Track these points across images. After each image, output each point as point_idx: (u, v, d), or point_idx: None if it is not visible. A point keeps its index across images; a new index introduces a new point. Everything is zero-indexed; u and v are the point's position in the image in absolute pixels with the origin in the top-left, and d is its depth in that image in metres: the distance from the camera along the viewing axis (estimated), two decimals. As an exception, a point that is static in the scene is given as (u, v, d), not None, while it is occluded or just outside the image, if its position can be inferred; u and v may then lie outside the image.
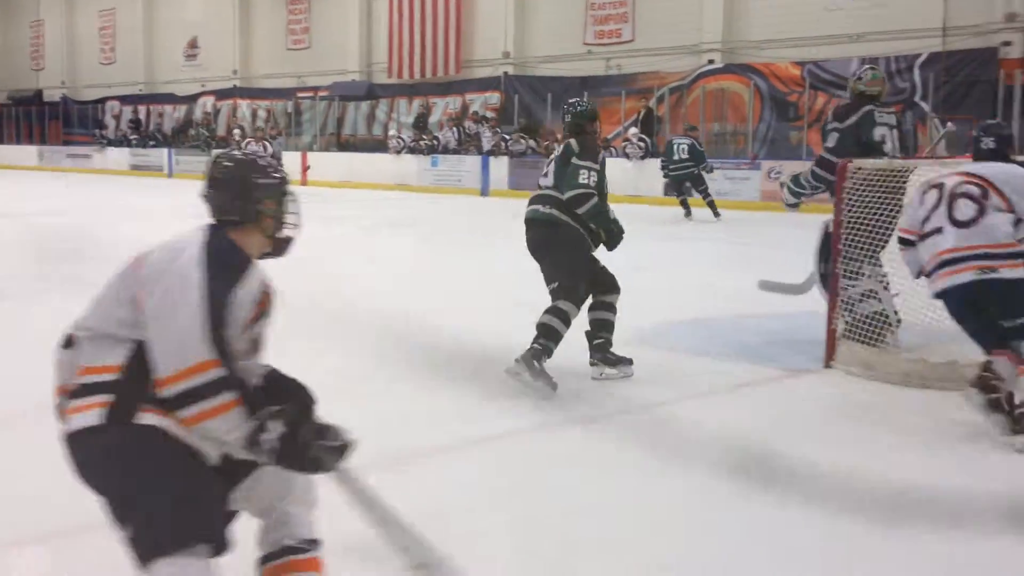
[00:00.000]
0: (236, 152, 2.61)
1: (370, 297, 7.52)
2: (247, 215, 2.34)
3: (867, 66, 6.07)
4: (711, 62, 18.88)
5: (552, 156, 5.11)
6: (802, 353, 5.57)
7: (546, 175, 5.01)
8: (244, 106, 28.17)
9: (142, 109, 31.56)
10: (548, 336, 4.66)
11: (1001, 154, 4.38)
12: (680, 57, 19.44)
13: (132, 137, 29.41)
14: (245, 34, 28.97)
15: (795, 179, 6.05)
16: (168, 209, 15.87)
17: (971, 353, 4.54)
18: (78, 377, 2.17)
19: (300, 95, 26.56)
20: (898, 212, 5.12)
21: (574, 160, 4.85)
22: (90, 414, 2.11)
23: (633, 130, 18.25)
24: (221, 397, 2.08)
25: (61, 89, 35.14)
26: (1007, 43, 15.06)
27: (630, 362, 5.04)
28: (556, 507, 3.35)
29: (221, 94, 29.14)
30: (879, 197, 5.16)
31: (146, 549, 2.03)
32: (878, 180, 5.18)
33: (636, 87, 19.83)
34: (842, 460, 3.85)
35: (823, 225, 5.63)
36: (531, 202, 5.04)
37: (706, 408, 4.70)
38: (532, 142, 19.66)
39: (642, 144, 17.55)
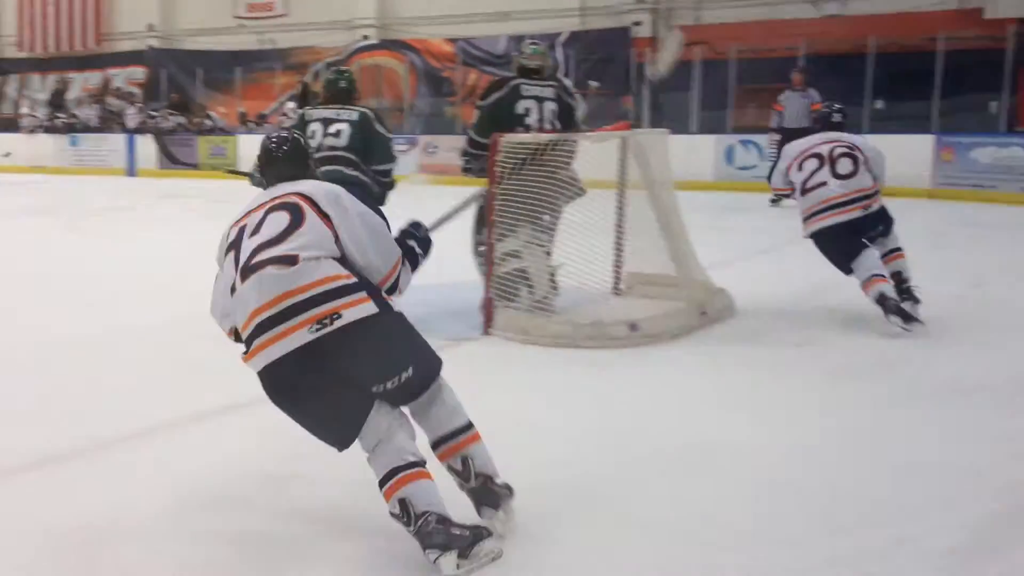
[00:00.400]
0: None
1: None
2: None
3: (530, 41, 6.22)
4: (366, 38, 18.95)
5: (325, 116, 5.50)
6: (462, 322, 5.75)
7: (337, 135, 5.41)
8: None
9: None
10: None
11: (843, 125, 5.86)
12: (335, 32, 19.36)
13: None
14: None
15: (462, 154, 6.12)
16: None
17: (616, 314, 4.94)
18: (319, 286, 2.67)
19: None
20: (551, 182, 5.40)
21: (380, 130, 5.51)
22: (367, 305, 2.71)
23: (290, 104, 18.00)
24: (407, 267, 3.05)
25: None
26: (637, 23, 16.29)
27: None
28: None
29: None
30: (532, 168, 5.37)
31: (429, 374, 2.87)
32: (529, 152, 5.38)
33: (291, 62, 19.54)
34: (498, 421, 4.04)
35: (476, 195, 5.79)
36: (326, 162, 5.12)
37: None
38: (182, 119, 18.85)
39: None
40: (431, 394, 2.87)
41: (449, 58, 17.90)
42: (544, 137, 5.49)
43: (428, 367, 2.88)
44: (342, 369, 2.67)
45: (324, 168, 4.81)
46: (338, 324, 2.64)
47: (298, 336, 2.63)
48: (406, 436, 2.73)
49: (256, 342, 2.69)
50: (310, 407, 2.74)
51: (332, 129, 5.47)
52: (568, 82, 6.10)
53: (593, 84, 8.28)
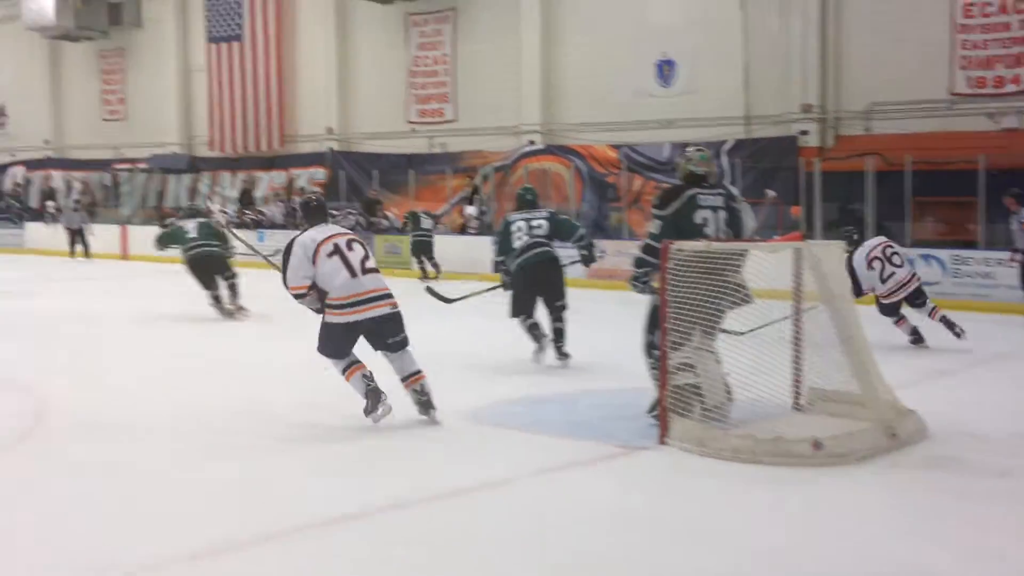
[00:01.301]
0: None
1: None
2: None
3: (695, 147, 6.24)
4: (532, 143, 19.60)
5: (526, 217, 8.22)
6: (636, 429, 5.81)
7: (540, 227, 8.16)
8: (58, 177, 27.15)
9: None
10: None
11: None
12: (502, 137, 20.09)
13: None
14: (57, 103, 28.05)
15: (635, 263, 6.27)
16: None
17: (798, 431, 5.02)
18: (384, 286, 6.05)
19: (117, 167, 25.85)
20: (724, 290, 5.56)
21: (564, 217, 8.66)
22: (395, 302, 6.07)
23: (470, 209, 18.82)
24: None
25: None
26: (804, 132, 16.37)
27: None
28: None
29: (33, 164, 28.02)
30: (703, 276, 5.48)
31: (406, 342, 6.04)
32: (700, 261, 5.50)
33: (461, 165, 20.34)
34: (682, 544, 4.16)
35: (652, 299, 5.96)
36: (536, 246, 8.10)
37: (551, 485, 4.88)
38: (360, 217, 19.81)
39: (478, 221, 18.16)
40: (403, 351, 6.07)
41: (613, 164, 18.31)
42: (715, 245, 5.62)
43: (406, 339, 6.09)
44: (385, 331, 6.00)
45: (537, 250, 8.12)
46: (395, 309, 6.08)
47: (386, 308, 6.03)
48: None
49: (363, 306, 5.94)
50: (352, 340, 6.01)
51: (535, 224, 8.18)
52: (734, 189, 6.25)
53: (770, 194, 8.41)
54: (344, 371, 6.00)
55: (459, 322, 10.80)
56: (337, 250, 5.89)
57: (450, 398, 6.30)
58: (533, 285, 8.15)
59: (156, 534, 4.07)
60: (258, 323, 11.43)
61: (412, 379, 6.03)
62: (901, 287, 9.15)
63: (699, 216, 5.84)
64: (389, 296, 6.02)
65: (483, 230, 18.37)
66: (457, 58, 20.92)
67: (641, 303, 6.10)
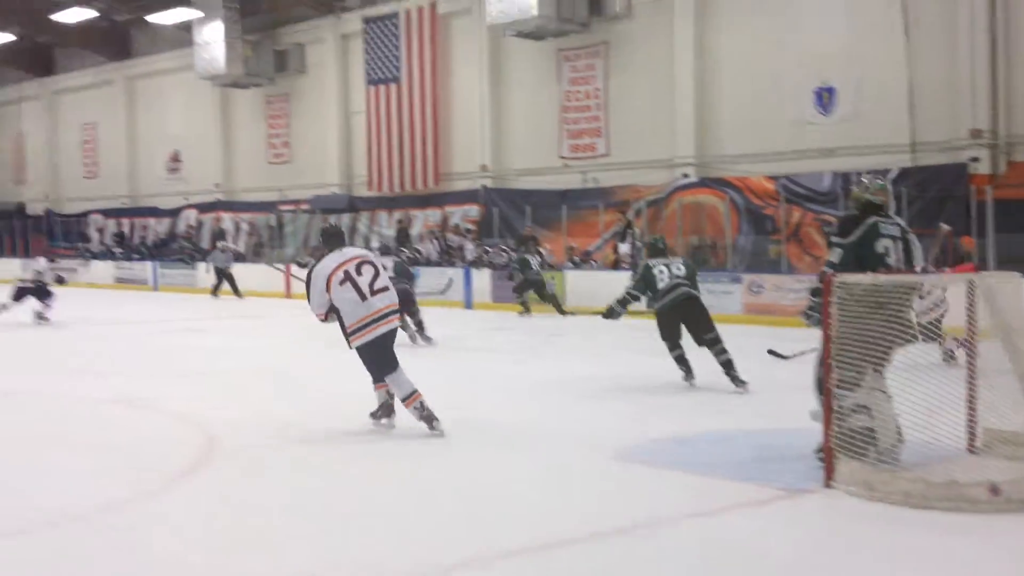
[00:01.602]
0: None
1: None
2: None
3: (871, 175, 6.11)
4: (685, 176, 19.38)
5: (665, 262, 9.31)
6: (799, 471, 5.61)
7: (680, 270, 9.25)
8: (227, 219, 28.47)
9: (126, 222, 31.83)
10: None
11: None
12: (655, 171, 19.95)
13: (116, 250, 29.57)
14: (227, 148, 29.45)
15: (812, 293, 6.12)
16: (154, 322, 16.01)
17: (974, 475, 4.72)
18: (395, 302, 6.78)
19: (282, 208, 26.91)
20: (895, 326, 5.30)
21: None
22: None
23: (623, 248, 18.74)
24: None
25: (44, 202, 35.41)
26: (975, 159, 15.61)
27: None
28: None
29: (204, 207, 29.48)
30: (872, 310, 5.30)
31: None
32: (870, 294, 5.33)
33: (614, 200, 20.27)
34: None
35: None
36: (680, 286, 9.11)
37: (709, 528, 4.73)
38: (514, 254, 19.94)
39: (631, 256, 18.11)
40: (398, 372, 6.73)
41: (771, 195, 17.89)
42: (883, 278, 5.40)
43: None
44: (390, 343, 6.68)
45: (681, 289, 9.10)
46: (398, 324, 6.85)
47: (395, 324, 6.75)
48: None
49: (379, 322, 6.58)
50: (386, 354, 6.66)
51: (675, 269, 9.22)
52: (902, 221, 6.02)
53: (944, 227, 8.04)
54: (406, 397, 6.64)
55: (609, 359, 10.71)
56: (348, 277, 6.56)
57: (603, 436, 6.21)
58: (679, 319, 9.14)
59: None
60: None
61: (411, 399, 6.64)
62: None
63: (880, 245, 5.69)
64: (398, 313, 6.83)
65: (636, 266, 18.24)
66: (609, 92, 20.94)
67: (800, 340, 5.90)
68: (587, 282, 18.33)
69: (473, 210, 23.01)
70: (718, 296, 16.41)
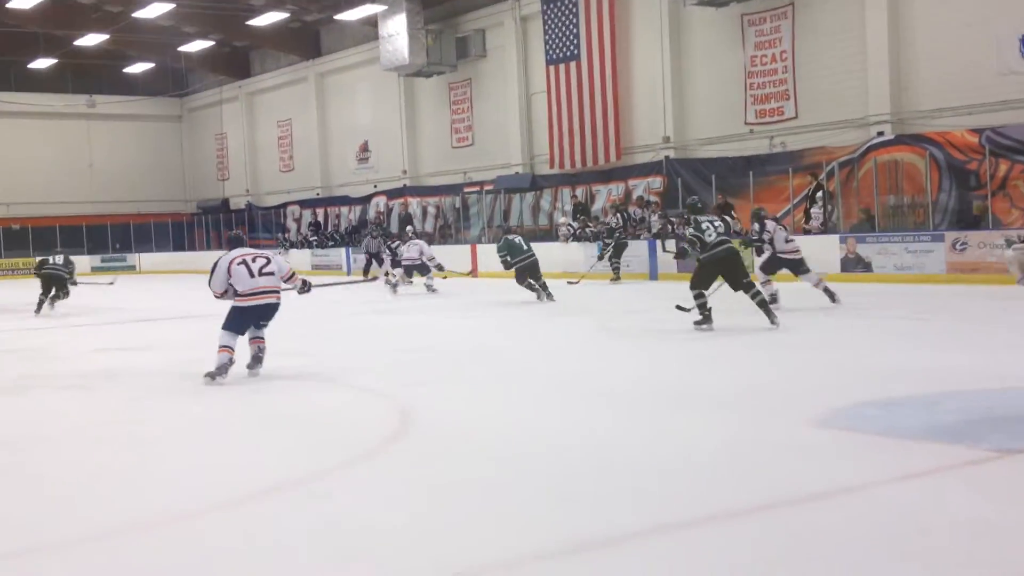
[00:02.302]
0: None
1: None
2: None
3: None
4: (880, 134, 18.47)
5: (709, 218, 10.63)
6: (1007, 432, 5.26)
7: (720, 227, 10.49)
8: (414, 204, 29.21)
9: (320, 211, 33.20)
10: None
11: None
12: (847, 131, 19.13)
13: (312, 239, 30.89)
14: (412, 136, 30.16)
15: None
16: (347, 303, 16.54)
17: None
18: (273, 284, 8.49)
19: (466, 190, 27.36)
20: None
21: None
22: (279, 296, 8.58)
23: (815, 211, 18.09)
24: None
25: (245, 197, 37.36)
26: None
27: None
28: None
29: (392, 193, 30.34)
30: None
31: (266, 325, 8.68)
32: None
33: (802, 164, 19.56)
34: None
35: None
36: (724, 243, 10.41)
37: (913, 491, 4.45)
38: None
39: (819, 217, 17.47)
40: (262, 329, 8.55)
41: (974, 149, 16.81)
42: None
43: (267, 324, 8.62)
44: (268, 315, 8.47)
45: (725, 245, 10.45)
46: (276, 299, 8.48)
47: (271, 300, 8.44)
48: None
49: (257, 297, 8.32)
50: (248, 320, 8.40)
51: (717, 225, 10.50)
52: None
53: None
54: (225, 346, 8.21)
55: (810, 321, 10.32)
56: (243, 262, 8.41)
57: (803, 401, 5.96)
58: (719, 271, 10.53)
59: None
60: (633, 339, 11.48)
61: (257, 340, 8.61)
62: None
63: None
64: (275, 292, 8.50)
65: (829, 229, 17.53)
66: (796, 54, 20.19)
67: (1016, 297, 5.48)
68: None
69: (656, 182, 22.71)
70: (918, 255, 15.60)
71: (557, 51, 24.71)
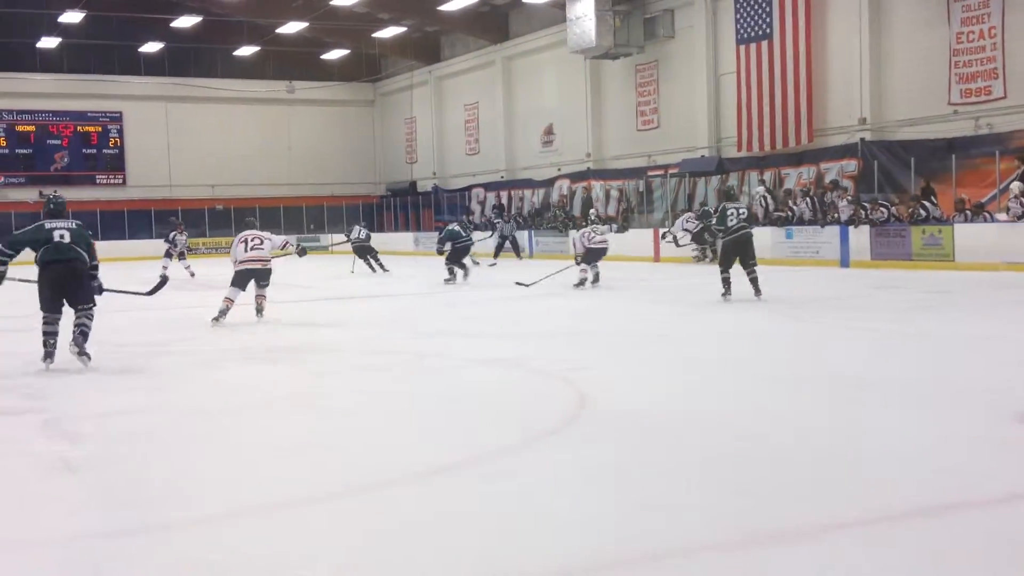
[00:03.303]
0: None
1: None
2: None
3: None
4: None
5: (736, 205, 12.80)
6: None
7: (743, 213, 12.74)
8: (597, 187, 29.11)
9: (504, 194, 33.57)
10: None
11: None
12: (1062, 110, 17.83)
13: (496, 221, 31.25)
14: (597, 119, 30.03)
15: None
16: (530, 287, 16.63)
17: None
18: (260, 256, 11.84)
19: (650, 173, 27.04)
20: None
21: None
22: (267, 264, 12.00)
23: (1017, 184, 16.90)
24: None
25: (432, 179, 38.20)
26: None
27: None
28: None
29: (575, 177, 30.33)
30: None
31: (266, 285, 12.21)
32: None
33: (1011, 146, 18.34)
34: None
35: None
36: (744, 228, 12.58)
37: None
38: (894, 209, 18.69)
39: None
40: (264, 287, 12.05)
41: None
42: None
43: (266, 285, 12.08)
44: (261, 277, 11.87)
45: (746, 229, 12.70)
46: (262, 266, 11.81)
47: (255, 266, 11.73)
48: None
49: (245, 263, 11.72)
50: (242, 282, 11.77)
51: (741, 212, 12.65)
52: None
53: None
54: (228, 298, 11.61)
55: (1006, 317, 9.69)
56: (243, 240, 11.81)
57: (997, 395, 5.54)
58: (737, 251, 12.75)
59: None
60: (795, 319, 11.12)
61: (259, 297, 11.97)
62: None
63: None
64: (260, 261, 11.74)
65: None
66: (1005, 30, 18.90)
67: None
68: (979, 235, 16.85)
69: (850, 165, 21.78)
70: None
71: (748, 30, 24.04)
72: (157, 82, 38.64)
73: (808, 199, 20.94)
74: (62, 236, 8.23)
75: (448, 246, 18.25)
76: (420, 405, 6.59)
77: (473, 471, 4.77)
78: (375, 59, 39.91)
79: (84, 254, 8.30)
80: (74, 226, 8.39)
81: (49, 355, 8.23)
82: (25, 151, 37.81)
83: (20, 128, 37.68)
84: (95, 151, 38.87)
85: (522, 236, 29.37)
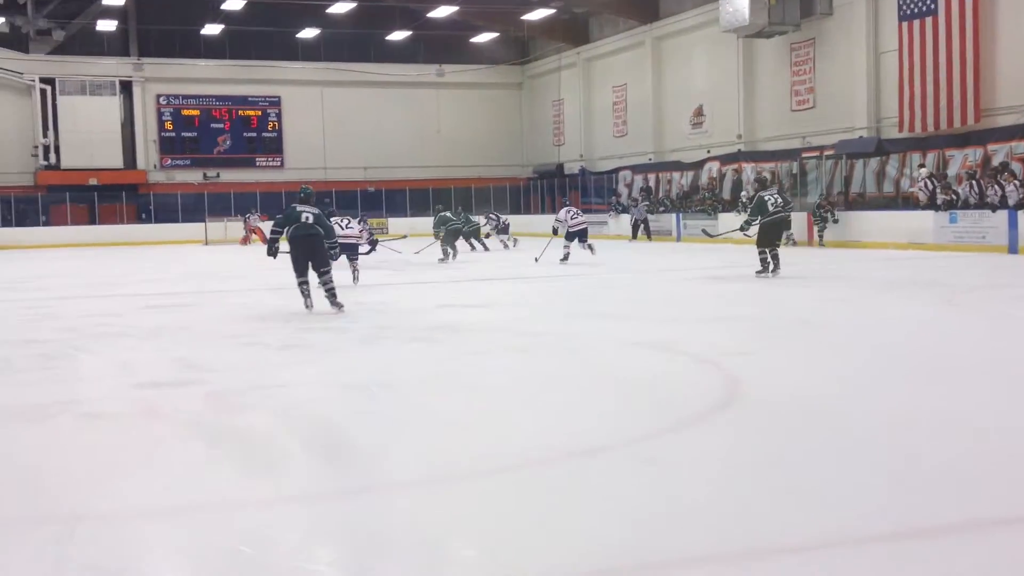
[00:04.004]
0: None
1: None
2: None
3: None
4: None
5: (772, 192, 14.84)
6: None
7: (780, 200, 14.54)
8: (748, 169, 28.48)
9: (651, 177, 33.22)
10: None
11: None
12: None
13: (644, 204, 31.00)
14: (749, 99, 29.36)
15: None
16: (676, 270, 16.43)
17: None
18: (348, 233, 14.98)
19: (804, 155, 26.28)
20: None
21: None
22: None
23: None
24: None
25: (579, 162, 38.13)
26: None
27: None
28: None
29: (725, 159, 29.75)
30: None
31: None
32: None
33: None
34: None
35: None
36: (780, 211, 14.37)
37: None
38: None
39: None
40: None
41: None
42: None
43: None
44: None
45: (782, 213, 14.53)
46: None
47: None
48: None
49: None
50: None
51: (778, 198, 14.41)
52: None
53: None
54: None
55: None
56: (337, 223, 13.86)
57: None
58: (774, 232, 14.30)
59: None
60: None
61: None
62: None
63: None
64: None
65: None
66: None
67: None
68: None
69: (1020, 146, 20.64)
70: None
71: (912, 6, 23.05)
72: (313, 67, 39.79)
73: (973, 182, 19.96)
74: (307, 218, 10.66)
75: (442, 229, 20.71)
76: (572, 387, 6.58)
77: (623, 453, 4.74)
78: (523, 42, 40.04)
79: (321, 232, 10.72)
80: (316, 211, 10.75)
81: (308, 302, 10.86)
82: (190, 134, 39.55)
83: (185, 112, 39.42)
84: (255, 134, 40.35)
85: (669, 219, 29.04)
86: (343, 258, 13.19)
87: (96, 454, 4.92)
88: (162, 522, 3.89)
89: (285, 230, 10.71)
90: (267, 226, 23.20)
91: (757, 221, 14.25)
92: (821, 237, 22.50)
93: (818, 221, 22.70)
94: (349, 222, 15.51)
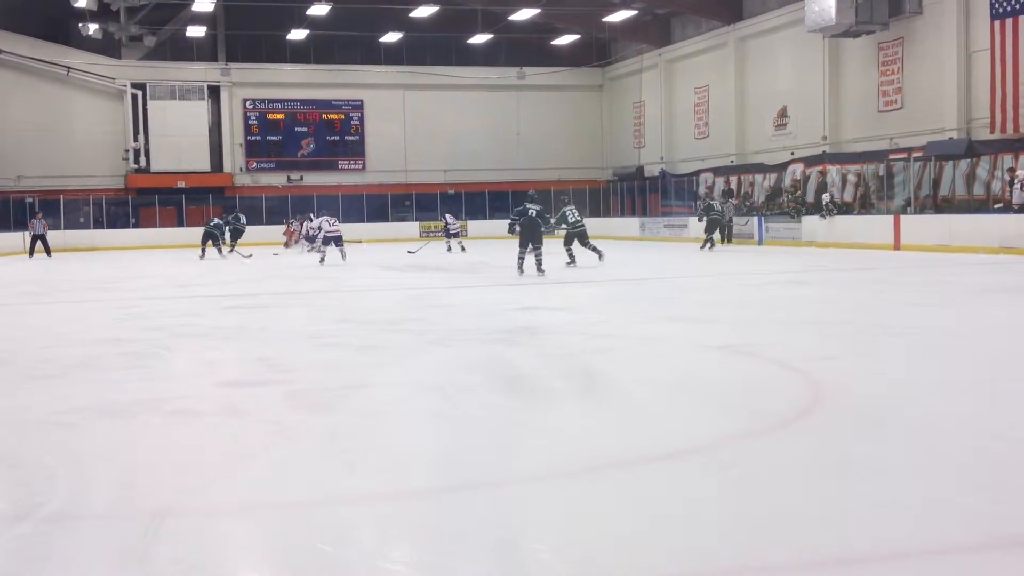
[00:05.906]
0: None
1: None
2: None
3: None
4: None
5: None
6: None
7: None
8: (833, 171, 27.95)
9: (733, 179, 32.80)
10: None
11: None
12: None
13: (726, 204, 30.59)
14: (835, 100, 28.85)
15: None
16: (757, 273, 16.20)
17: None
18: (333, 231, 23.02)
19: (892, 157, 25.72)
20: None
21: None
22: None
23: None
24: None
25: (659, 164, 37.87)
26: None
27: None
28: None
29: (810, 161, 29.25)
30: None
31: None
32: None
33: None
34: None
35: None
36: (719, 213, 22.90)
37: None
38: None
39: None
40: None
41: None
42: None
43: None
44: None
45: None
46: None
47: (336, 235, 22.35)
48: None
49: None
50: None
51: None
52: None
53: None
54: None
55: None
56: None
57: None
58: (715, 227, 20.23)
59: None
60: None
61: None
62: None
63: None
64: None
65: None
66: None
67: None
68: None
69: None
70: None
71: (1006, 4, 22.44)
72: (396, 71, 40.23)
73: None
74: (532, 212, 16.56)
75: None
76: (647, 390, 6.53)
77: (705, 458, 4.69)
78: (604, 44, 39.91)
79: (540, 221, 16.36)
80: (539, 207, 16.44)
81: (522, 268, 16.37)
82: (275, 138, 40.30)
83: (271, 116, 40.18)
84: (338, 137, 40.94)
85: (751, 222, 28.66)
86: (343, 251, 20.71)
87: (182, 452, 5.03)
88: (244, 519, 3.96)
89: (521, 218, 16.47)
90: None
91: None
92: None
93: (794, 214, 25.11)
94: (333, 221, 22.66)
